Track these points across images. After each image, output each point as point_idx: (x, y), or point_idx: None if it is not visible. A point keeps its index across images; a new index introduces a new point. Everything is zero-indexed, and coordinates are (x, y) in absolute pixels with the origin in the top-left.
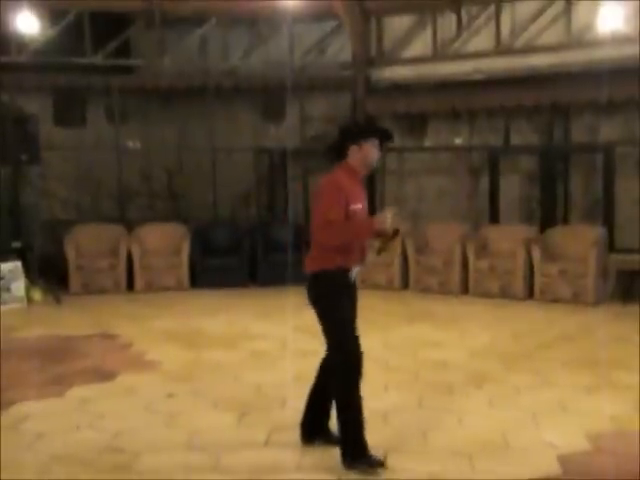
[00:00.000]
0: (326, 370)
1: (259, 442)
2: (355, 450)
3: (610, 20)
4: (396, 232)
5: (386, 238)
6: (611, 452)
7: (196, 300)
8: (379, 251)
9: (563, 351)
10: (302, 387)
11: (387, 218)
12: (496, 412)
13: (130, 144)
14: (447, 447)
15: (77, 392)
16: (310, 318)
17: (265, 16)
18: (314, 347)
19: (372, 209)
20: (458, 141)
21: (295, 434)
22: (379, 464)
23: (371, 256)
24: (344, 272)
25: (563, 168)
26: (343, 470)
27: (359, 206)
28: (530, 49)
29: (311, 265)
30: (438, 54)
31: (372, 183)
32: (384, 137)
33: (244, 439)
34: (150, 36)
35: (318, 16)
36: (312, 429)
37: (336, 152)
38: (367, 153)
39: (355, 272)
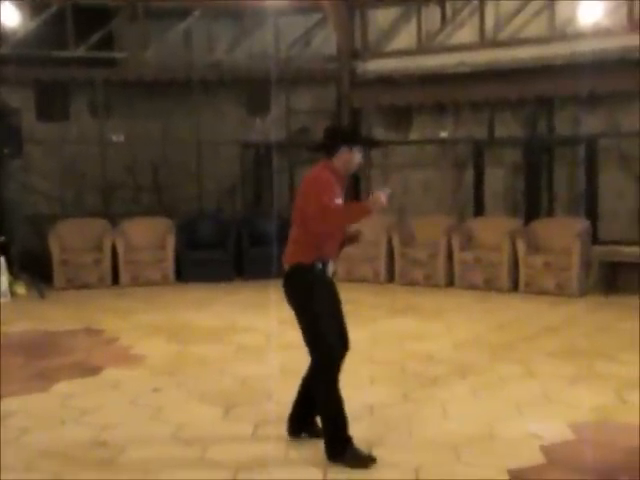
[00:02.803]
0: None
1: (245, 435)
2: (338, 445)
3: (592, 13)
4: (357, 235)
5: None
6: (594, 442)
7: (182, 294)
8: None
9: (547, 342)
10: (288, 380)
11: (381, 198)
12: (481, 403)
13: (114, 137)
14: (432, 438)
15: (62, 387)
16: None
17: (250, 9)
18: (300, 340)
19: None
20: (443, 134)
21: (281, 427)
22: (367, 459)
23: (357, 249)
24: (321, 265)
25: (547, 160)
26: (329, 463)
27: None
28: (514, 42)
29: (288, 259)
30: (423, 47)
31: (356, 177)
32: (371, 145)
33: (230, 433)
34: (134, 28)
35: (303, 9)
36: (299, 423)
37: (326, 149)
38: (353, 157)
39: (332, 266)
